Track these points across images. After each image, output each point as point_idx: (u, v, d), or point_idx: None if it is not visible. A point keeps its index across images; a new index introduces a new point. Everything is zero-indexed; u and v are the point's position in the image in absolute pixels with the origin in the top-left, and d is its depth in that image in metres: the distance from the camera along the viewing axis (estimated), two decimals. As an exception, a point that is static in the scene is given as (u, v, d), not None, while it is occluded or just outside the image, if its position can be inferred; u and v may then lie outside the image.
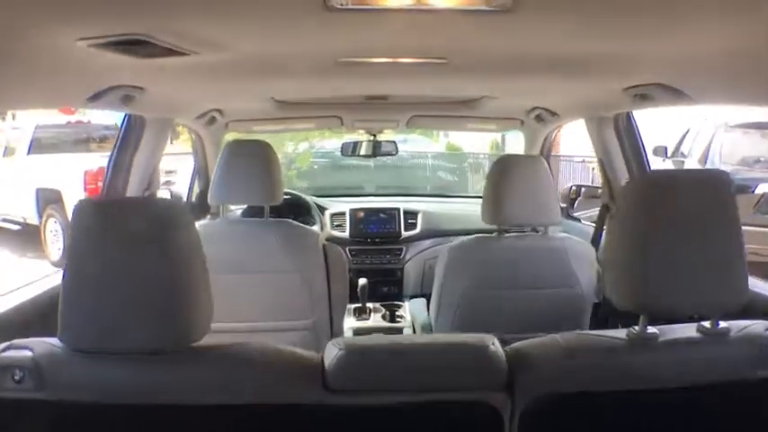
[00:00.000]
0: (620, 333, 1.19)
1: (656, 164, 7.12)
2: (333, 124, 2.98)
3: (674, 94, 1.57)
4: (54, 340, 1.07)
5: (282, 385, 1.07)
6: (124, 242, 1.03)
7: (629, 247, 1.14)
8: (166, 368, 1.06)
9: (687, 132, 7.35)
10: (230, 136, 2.91)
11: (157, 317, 1.03)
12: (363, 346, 1.13)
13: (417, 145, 11.83)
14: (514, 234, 2.24)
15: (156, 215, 1.07)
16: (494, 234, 2.12)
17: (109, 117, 9.63)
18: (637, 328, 1.16)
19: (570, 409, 1.12)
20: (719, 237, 1.12)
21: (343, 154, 3.48)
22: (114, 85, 1.57)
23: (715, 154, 6.22)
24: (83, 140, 8.79)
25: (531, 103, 2.45)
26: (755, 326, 1.20)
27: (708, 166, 6.29)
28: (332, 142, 8.35)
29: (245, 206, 2.88)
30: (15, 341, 1.10)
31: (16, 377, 1.04)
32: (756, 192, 5.83)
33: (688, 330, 1.19)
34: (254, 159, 2.12)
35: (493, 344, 1.13)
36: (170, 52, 1.31)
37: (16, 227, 8.31)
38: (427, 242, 3.08)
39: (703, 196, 1.13)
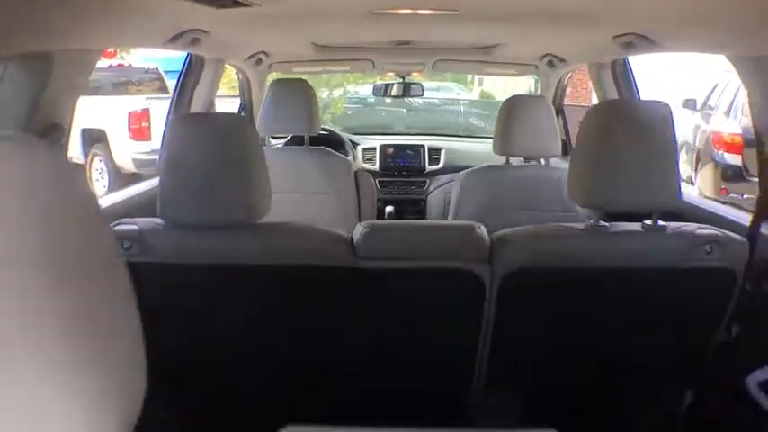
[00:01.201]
0: (580, 225, 1.59)
1: (686, 116, 7.35)
2: (365, 67, 3.37)
3: (649, 43, 1.93)
4: (155, 219, 1.51)
5: (324, 252, 1.51)
6: (208, 143, 1.46)
7: (587, 159, 1.53)
8: (241, 237, 1.50)
9: (715, 87, 7.53)
10: (271, 77, 3.33)
11: (234, 199, 1.46)
12: (383, 225, 1.57)
13: (450, 93, 12.08)
14: (520, 164, 2.64)
15: (228, 122, 1.51)
16: (502, 164, 2.54)
17: (147, 61, 10.09)
18: (592, 221, 1.56)
19: (537, 279, 1.54)
20: (657, 152, 1.49)
21: (374, 94, 3.89)
22: (188, 29, 1.97)
23: (738, 107, 6.43)
24: (123, 83, 9.22)
25: (541, 49, 2.81)
26: (688, 226, 1.58)
27: (730, 119, 6.51)
28: (365, 89, 8.71)
29: (287, 139, 3.31)
30: (124, 219, 1.55)
31: (125, 245, 1.48)
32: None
33: (633, 226, 1.59)
34: (297, 95, 2.55)
35: (479, 227, 1.55)
36: (235, 3, 1.71)
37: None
38: (449, 176, 3.48)
39: (646, 121, 1.51)
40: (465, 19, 1.99)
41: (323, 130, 3.31)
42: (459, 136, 4.25)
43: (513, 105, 2.46)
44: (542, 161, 2.61)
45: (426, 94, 8.06)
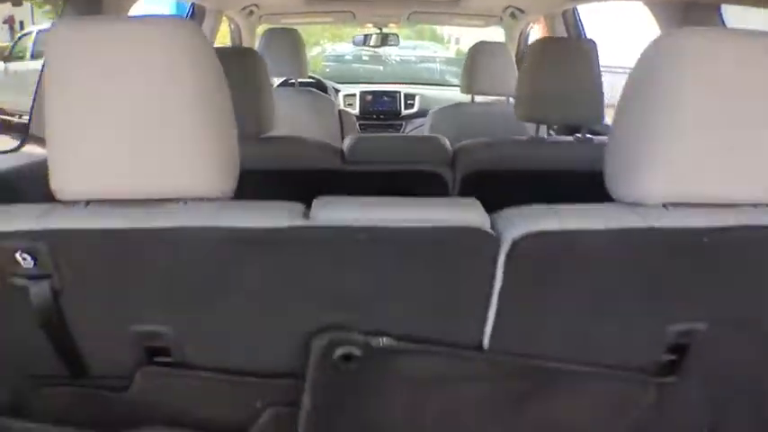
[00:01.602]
0: (524, 138, 2.02)
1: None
2: (347, 18, 3.74)
3: None
4: None
5: (318, 158, 1.91)
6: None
7: (529, 84, 1.95)
8: (250, 148, 1.90)
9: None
10: (261, 29, 3.69)
11: (247, 112, 1.85)
12: (367, 137, 1.98)
13: (427, 51, 12.42)
14: (484, 102, 3.06)
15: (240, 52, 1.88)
16: (468, 102, 2.95)
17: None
18: (533, 135, 1.99)
19: (491, 179, 1.96)
20: (583, 79, 1.91)
21: (355, 44, 4.26)
22: None
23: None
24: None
25: (504, 1, 3.20)
26: None
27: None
28: (342, 47, 9.01)
29: (277, 84, 3.69)
30: None
31: None
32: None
33: (567, 138, 2.02)
34: (287, 42, 2.93)
35: (444, 140, 1.96)
36: None
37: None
38: (423, 119, 3.89)
39: (574, 54, 1.92)
40: None
41: (308, 77, 3.69)
42: (434, 84, 4.66)
43: (478, 50, 2.87)
44: (505, 99, 3.02)
45: (404, 51, 8.47)
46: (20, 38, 10.67)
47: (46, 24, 10.41)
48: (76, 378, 1.03)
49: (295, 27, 3.57)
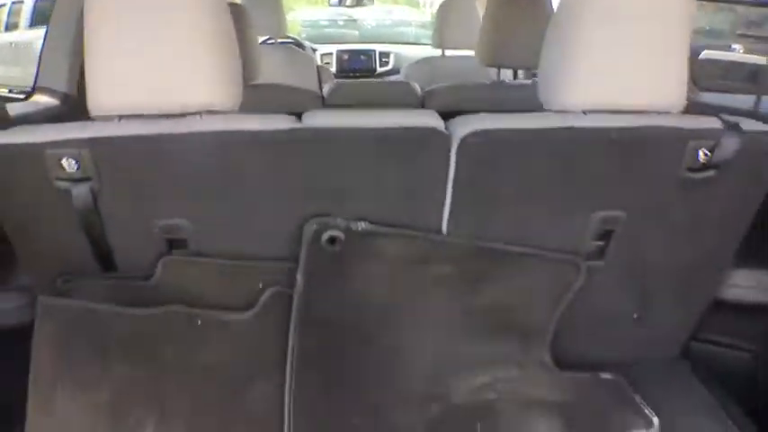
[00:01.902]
0: (487, 82, 2.25)
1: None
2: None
3: None
4: None
5: (300, 102, 2.13)
6: None
7: (486, 29, 2.17)
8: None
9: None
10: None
11: None
12: (346, 82, 2.20)
13: (402, 15, 12.57)
14: (454, 56, 3.28)
15: None
16: (439, 56, 3.18)
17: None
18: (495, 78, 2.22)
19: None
20: (537, 22, 2.13)
21: (330, 5, 4.44)
22: None
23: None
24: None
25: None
26: None
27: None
28: (317, 12, 9.11)
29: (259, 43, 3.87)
30: None
31: None
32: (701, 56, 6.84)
33: (526, 81, 2.25)
34: (268, 2, 3.12)
35: (414, 84, 2.19)
36: None
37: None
38: (397, 75, 4.11)
39: (530, 1, 2.14)
40: None
41: (286, 37, 3.87)
42: (406, 43, 4.86)
43: (446, 6, 3.09)
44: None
45: (379, 16, 8.59)
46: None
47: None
48: (107, 272, 1.26)
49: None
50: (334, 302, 1.26)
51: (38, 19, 9.64)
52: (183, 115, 1.13)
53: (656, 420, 1.41)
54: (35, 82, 2.02)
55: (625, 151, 1.19)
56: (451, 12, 3.06)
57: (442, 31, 3.08)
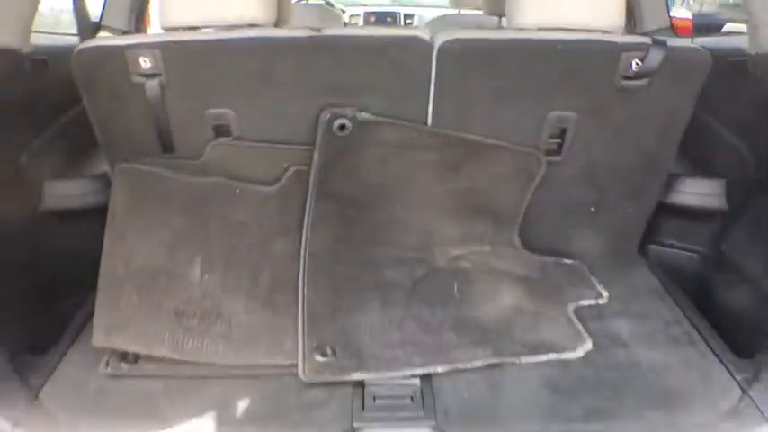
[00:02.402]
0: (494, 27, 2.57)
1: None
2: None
3: None
4: None
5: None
6: None
7: None
8: None
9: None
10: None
11: None
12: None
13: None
14: (468, 13, 3.61)
15: None
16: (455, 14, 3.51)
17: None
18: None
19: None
20: None
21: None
22: None
23: (691, -3, 7.32)
24: None
25: None
26: None
27: (682, 8, 7.37)
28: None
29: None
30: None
31: None
32: (723, 30, 7.03)
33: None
34: None
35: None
36: None
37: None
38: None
39: None
40: None
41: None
42: (430, 6, 5.18)
43: None
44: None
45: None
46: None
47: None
48: (166, 153, 1.64)
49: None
50: (341, 178, 1.63)
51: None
52: (231, 28, 1.50)
53: (605, 293, 1.75)
54: (100, 20, 2.42)
55: (570, 61, 1.53)
56: None
57: None
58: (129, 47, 1.48)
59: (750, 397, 1.35)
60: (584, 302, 1.70)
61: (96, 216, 1.62)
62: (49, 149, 1.79)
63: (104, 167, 1.75)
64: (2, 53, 1.38)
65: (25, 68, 1.58)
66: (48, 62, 1.69)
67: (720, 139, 1.83)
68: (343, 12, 4.61)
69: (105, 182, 1.75)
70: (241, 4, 1.49)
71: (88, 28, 1.86)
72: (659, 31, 2.36)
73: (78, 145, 1.88)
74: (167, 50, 1.48)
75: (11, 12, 1.41)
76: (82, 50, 1.48)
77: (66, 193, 1.77)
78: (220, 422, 1.30)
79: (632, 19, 2.48)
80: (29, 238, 1.66)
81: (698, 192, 1.87)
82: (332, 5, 4.52)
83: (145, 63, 1.49)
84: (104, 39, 1.59)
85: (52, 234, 1.71)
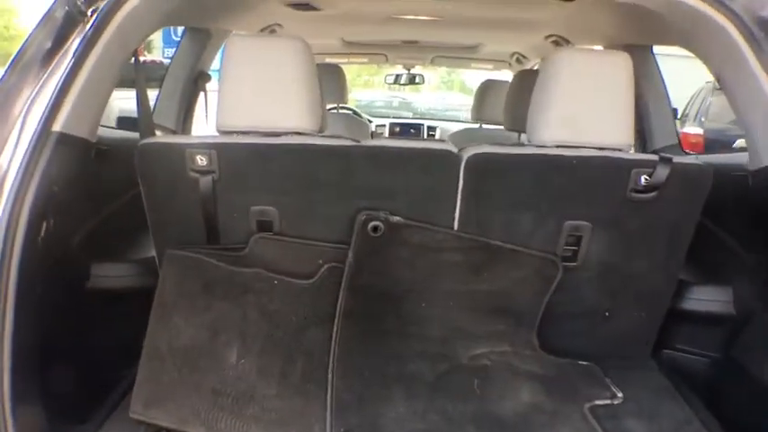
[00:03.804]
0: (513, 143, 2.81)
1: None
2: (380, 60, 4.63)
3: (565, 41, 3.16)
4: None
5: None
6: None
7: (509, 102, 2.75)
8: None
9: (694, 96, 8.81)
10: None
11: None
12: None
13: (454, 99, 13.55)
14: (491, 128, 3.89)
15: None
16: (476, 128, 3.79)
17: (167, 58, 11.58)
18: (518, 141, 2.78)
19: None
20: None
21: (387, 82, 5.16)
22: (274, 23, 3.16)
23: (702, 114, 7.71)
24: (155, 78, 10.55)
25: (511, 49, 4.05)
26: None
27: (695, 125, 7.74)
28: (373, 93, 9.99)
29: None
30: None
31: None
32: (734, 145, 7.36)
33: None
34: (333, 75, 3.81)
35: (449, 143, 2.76)
36: (306, 6, 2.92)
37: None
38: (441, 145, 4.74)
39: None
40: (451, 24, 3.23)
41: (346, 108, 4.56)
42: (451, 120, 5.53)
43: (484, 86, 3.72)
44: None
45: (432, 100, 9.37)
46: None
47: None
48: (211, 243, 1.82)
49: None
50: (373, 276, 1.79)
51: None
52: (279, 134, 1.72)
53: (620, 394, 1.86)
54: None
55: (584, 175, 1.72)
56: (488, 91, 3.70)
57: (480, 107, 3.70)
58: (189, 145, 1.71)
59: None
60: (599, 402, 1.80)
61: (140, 298, 1.79)
62: (99, 232, 1.99)
63: (151, 252, 1.93)
64: (77, 142, 1.58)
65: (90, 157, 1.79)
66: (108, 152, 1.92)
67: (727, 248, 1.99)
68: (370, 122, 4.95)
69: (150, 266, 1.94)
70: (290, 114, 1.72)
71: (147, 124, 2.10)
72: (668, 148, 2.60)
73: (126, 230, 2.08)
74: (222, 151, 1.70)
75: (86, 106, 1.62)
76: (147, 145, 1.71)
77: (112, 274, 1.95)
78: None
79: (643, 137, 2.72)
80: (74, 315, 1.82)
81: (706, 298, 2.02)
82: (360, 115, 4.86)
83: (201, 161, 1.70)
84: (166, 137, 1.82)
85: (96, 312, 1.88)
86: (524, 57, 4.09)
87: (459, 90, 14.35)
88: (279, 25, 3.22)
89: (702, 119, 7.74)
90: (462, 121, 5.73)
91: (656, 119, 2.71)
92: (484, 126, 3.87)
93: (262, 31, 3.19)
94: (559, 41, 3.22)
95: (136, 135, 2.08)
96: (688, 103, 8.94)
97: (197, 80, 2.84)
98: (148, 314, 1.72)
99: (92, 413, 1.65)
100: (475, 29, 3.41)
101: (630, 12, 1.95)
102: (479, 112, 3.76)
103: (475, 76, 7.91)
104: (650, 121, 2.70)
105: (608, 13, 2.37)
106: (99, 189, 1.95)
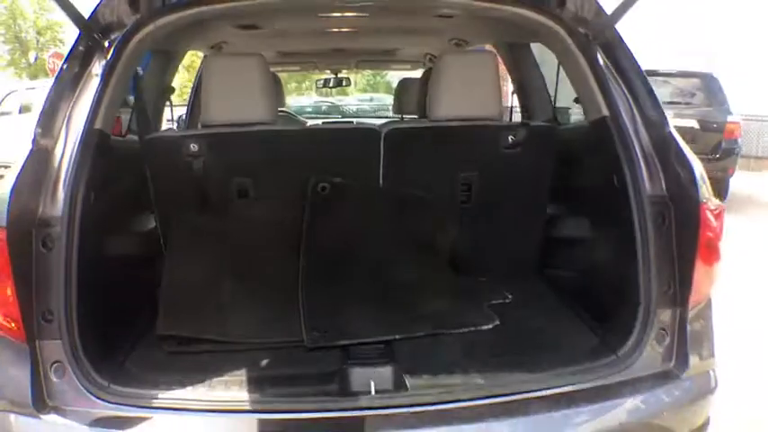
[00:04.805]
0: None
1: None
2: (310, 67, 5.36)
3: (465, 42, 3.95)
4: None
5: None
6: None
7: (419, 95, 3.51)
8: None
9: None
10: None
11: None
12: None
13: (383, 101, 14.37)
14: (410, 118, 4.66)
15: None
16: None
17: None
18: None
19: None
20: None
21: (317, 87, 5.89)
22: (221, 40, 3.84)
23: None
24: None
25: (423, 51, 4.84)
26: None
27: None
28: (302, 99, 10.71)
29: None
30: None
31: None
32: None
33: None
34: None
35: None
36: (251, 27, 3.59)
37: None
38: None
39: None
40: (371, 33, 3.97)
41: (283, 111, 5.26)
42: (380, 117, 6.29)
43: (402, 84, 4.51)
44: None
45: (361, 104, 10.17)
46: (5, 96, 12.14)
47: (30, 83, 12.00)
48: (203, 207, 2.50)
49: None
50: (324, 222, 2.52)
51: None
52: (249, 124, 2.43)
53: (510, 296, 2.61)
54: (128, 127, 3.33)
55: (469, 139, 2.49)
56: (405, 88, 4.50)
57: (399, 101, 4.50)
58: (183, 137, 2.40)
59: (606, 343, 2.13)
60: (495, 302, 2.56)
61: (155, 252, 2.46)
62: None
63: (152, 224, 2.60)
64: (107, 136, 2.19)
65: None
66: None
67: (583, 187, 2.78)
68: (305, 123, 5.66)
69: (153, 234, 2.59)
70: (257, 109, 2.43)
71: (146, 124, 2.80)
72: (546, 121, 3.41)
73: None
74: (208, 139, 2.40)
75: (112, 110, 2.21)
76: (151, 138, 2.39)
77: (138, 229, 2.60)
78: (250, 374, 2.04)
79: (528, 114, 3.55)
80: (113, 262, 2.39)
81: (570, 227, 2.80)
82: (294, 116, 5.56)
83: (193, 148, 2.40)
84: (165, 132, 2.51)
85: (128, 260, 2.52)
86: (435, 57, 4.89)
87: (385, 91, 15.20)
88: (225, 43, 3.90)
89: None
90: (385, 117, 6.51)
91: (537, 100, 3.53)
92: (404, 117, 4.63)
93: (211, 48, 3.87)
94: (460, 43, 4.02)
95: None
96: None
97: (164, 92, 3.50)
98: (162, 262, 2.39)
99: (126, 335, 2.28)
100: (391, 36, 4.16)
101: (500, 21, 2.73)
102: (400, 105, 4.54)
103: (399, 77, 8.73)
104: (533, 101, 3.52)
105: (486, 24, 3.17)
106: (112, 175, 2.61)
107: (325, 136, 2.47)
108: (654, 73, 8.99)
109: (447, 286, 2.62)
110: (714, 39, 16.03)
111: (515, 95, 3.68)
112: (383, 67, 6.21)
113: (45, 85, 10.93)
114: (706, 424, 2.08)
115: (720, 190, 8.78)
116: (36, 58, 33.89)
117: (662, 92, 8.96)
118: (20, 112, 11.02)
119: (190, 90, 4.57)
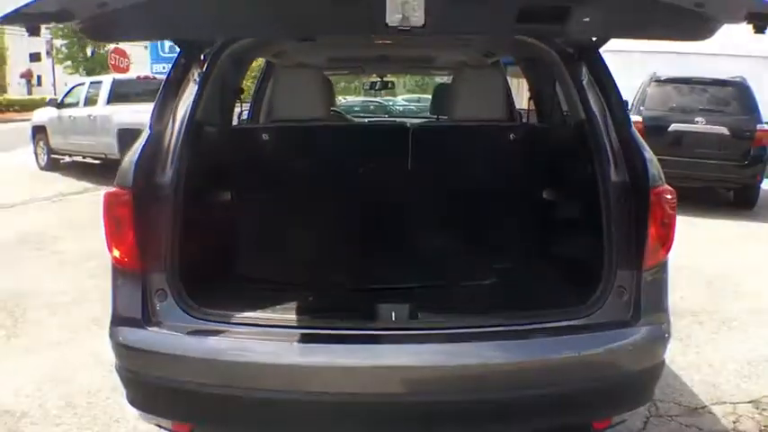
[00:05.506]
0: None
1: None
2: (358, 71, 6.06)
3: (491, 55, 4.59)
4: None
5: None
6: None
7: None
8: None
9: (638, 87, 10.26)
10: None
11: None
12: None
13: (426, 102, 15.08)
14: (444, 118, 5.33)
15: None
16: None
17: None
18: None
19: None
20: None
21: (365, 88, 6.60)
22: (280, 50, 4.56)
23: (641, 102, 9.23)
24: (150, 92, 11.67)
25: (459, 58, 5.49)
26: None
27: (634, 113, 9.19)
28: (351, 99, 11.51)
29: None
30: None
31: None
32: (669, 129, 8.89)
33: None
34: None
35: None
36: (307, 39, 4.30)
37: (98, 161, 11.59)
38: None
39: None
40: (414, 46, 4.64)
41: (334, 110, 5.98)
42: (422, 118, 6.97)
43: (438, 89, 5.17)
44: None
45: (408, 104, 10.92)
46: (72, 88, 13.24)
47: (96, 78, 13.09)
48: (271, 185, 3.22)
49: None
50: (364, 197, 3.20)
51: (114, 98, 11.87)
52: (311, 120, 3.13)
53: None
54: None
55: (479, 135, 3.15)
56: (440, 92, 5.16)
57: (435, 103, 5.17)
58: (257, 129, 3.12)
59: (578, 295, 2.76)
60: (497, 266, 3.20)
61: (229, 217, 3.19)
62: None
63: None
64: (201, 127, 2.94)
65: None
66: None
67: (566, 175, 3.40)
68: (353, 121, 6.38)
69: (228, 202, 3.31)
70: (313, 110, 3.13)
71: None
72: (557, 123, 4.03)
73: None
74: (276, 131, 3.11)
75: (209, 105, 2.97)
76: (235, 128, 3.11)
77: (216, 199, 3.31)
78: (304, 303, 2.71)
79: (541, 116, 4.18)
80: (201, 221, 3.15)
81: (558, 208, 3.40)
82: (343, 114, 6.28)
83: (265, 137, 3.11)
84: (244, 124, 3.28)
85: (210, 221, 3.25)
86: (468, 65, 5.54)
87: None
88: (285, 51, 4.61)
89: (641, 108, 9.24)
90: (427, 117, 7.18)
91: (548, 105, 4.15)
92: (440, 117, 5.29)
93: (274, 56, 4.59)
94: (488, 55, 4.66)
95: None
96: (635, 94, 10.38)
97: (236, 92, 4.23)
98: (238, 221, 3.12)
99: (211, 272, 2.95)
100: (432, 48, 4.82)
101: (514, 43, 3.35)
102: (435, 107, 5.21)
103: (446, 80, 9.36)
104: (546, 105, 4.15)
105: (504, 42, 3.81)
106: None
107: (366, 130, 3.15)
108: (689, 81, 9.48)
109: (460, 251, 3.28)
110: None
111: (531, 100, 4.31)
112: (424, 72, 6.89)
113: (107, 80, 12.00)
114: (659, 366, 2.65)
115: (750, 196, 9.19)
116: (93, 53, 35.55)
117: (698, 99, 9.44)
118: (85, 104, 11.96)
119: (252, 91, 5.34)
